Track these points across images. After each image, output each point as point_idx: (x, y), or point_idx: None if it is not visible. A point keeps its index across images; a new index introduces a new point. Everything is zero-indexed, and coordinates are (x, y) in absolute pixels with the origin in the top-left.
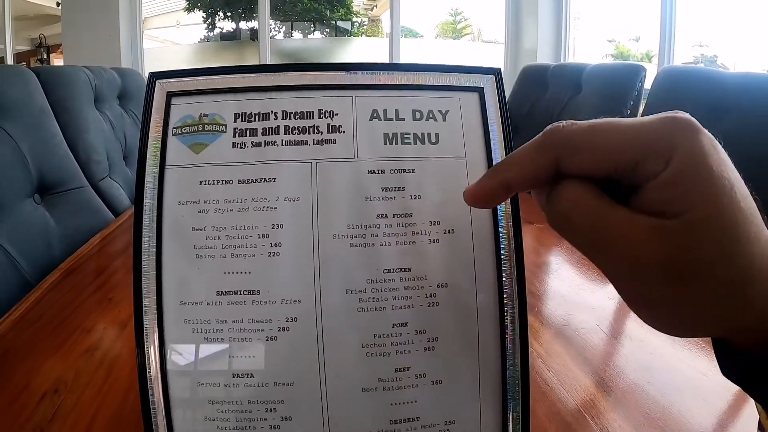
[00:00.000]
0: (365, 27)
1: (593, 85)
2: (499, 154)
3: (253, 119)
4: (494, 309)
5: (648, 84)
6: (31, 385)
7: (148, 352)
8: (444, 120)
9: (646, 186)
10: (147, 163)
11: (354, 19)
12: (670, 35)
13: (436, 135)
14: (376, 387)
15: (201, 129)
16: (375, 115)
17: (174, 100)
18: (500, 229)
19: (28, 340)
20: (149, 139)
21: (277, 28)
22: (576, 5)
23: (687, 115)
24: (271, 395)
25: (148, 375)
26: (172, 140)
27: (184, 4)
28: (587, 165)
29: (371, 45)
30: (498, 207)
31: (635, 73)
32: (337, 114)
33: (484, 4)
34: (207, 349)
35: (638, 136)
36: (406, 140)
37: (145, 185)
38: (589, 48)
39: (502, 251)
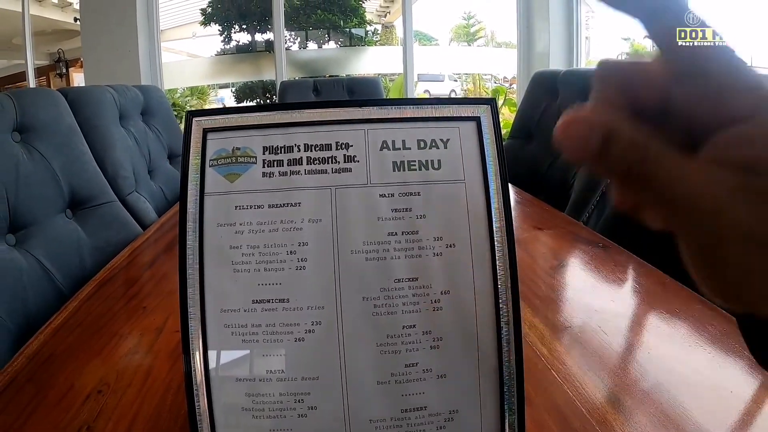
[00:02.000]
0: (379, 34)
1: None
2: (493, 176)
3: (279, 152)
4: (491, 312)
5: None
6: (76, 386)
7: (193, 353)
8: (445, 147)
9: (723, 132)
10: (188, 192)
11: (368, 28)
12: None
13: (438, 161)
14: (389, 380)
15: (234, 161)
16: (385, 145)
17: (209, 136)
18: (495, 243)
19: (69, 346)
20: (189, 171)
21: (291, 39)
22: (588, 2)
23: None
24: (298, 388)
25: (192, 371)
26: (209, 171)
27: (200, 16)
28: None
29: (385, 53)
30: (492, 222)
31: None
32: (351, 145)
33: (497, 6)
34: (244, 349)
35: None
36: (411, 167)
37: (188, 211)
38: (603, 47)
39: (497, 262)
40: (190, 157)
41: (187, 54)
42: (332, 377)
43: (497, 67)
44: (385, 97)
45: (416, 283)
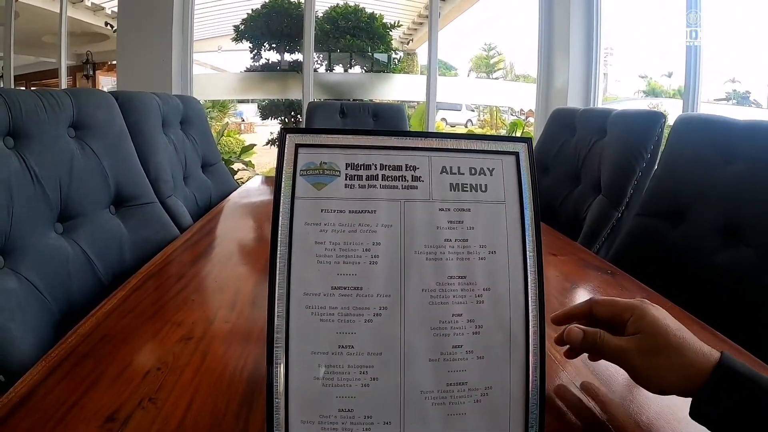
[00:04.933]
0: (402, 61)
1: (617, 129)
2: (528, 200)
3: (359, 168)
4: (522, 307)
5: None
6: (134, 364)
7: (276, 327)
8: (491, 175)
9: (626, 326)
10: (282, 195)
11: (392, 55)
12: (696, 73)
13: (485, 185)
14: (439, 358)
15: (321, 173)
16: (444, 170)
17: (300, 150)
18: (528, 252)
19: (123, 329)
20: (283, 178)
21: (319, 61)
22: (608, 40)
23: (645, 302)
24: (364, 362)
25: (274, 341)
26: (299, 179)
27: (226, 30)
28: (603, 313)
29: (407, 81)
30: (525, 236)
31: (655, 120)
32: (418, 168)
33: (517, 38)
34: (321, 327)
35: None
36: (465, 189)
37: (281, 211)
38: (621, 84)
39: (529, 268)
40: (284, 167)
41: (211, 67)
42: (393, 353)
43: (514, 99)
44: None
45: (464, 280)
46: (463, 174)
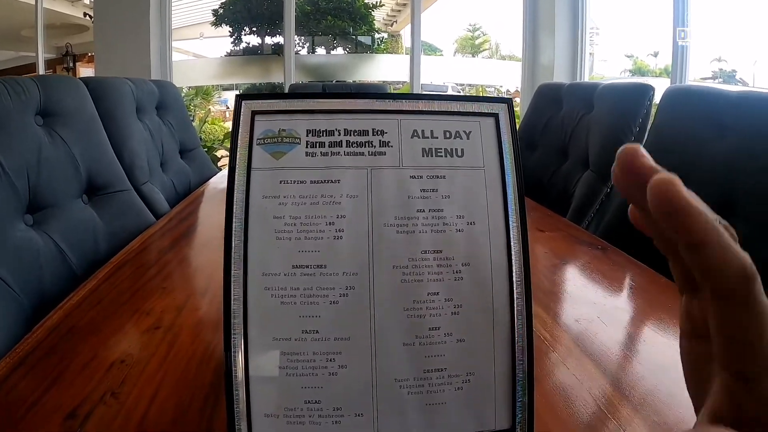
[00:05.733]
0: (385, 42)
1: (605, 103)
2: (509, 165)
3: (321, 135)
4: (505, 284)
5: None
6: (100, 356)
7: (233, 313)
8: (468, 138)
9: (751, 385)
10: (237, 166)
11: (375, 36)
12: (682, 48)
13: (462, 150)
14: (414, 342)
15: (280, 141)
16: (415, 134)
17: (257, 117)
18: (510, 222)
19: (91, 320)
20: (238, 147)
21: (300, 44)
22: (593, 19)
23: None
24: (331, 348)
25: (232, 327)
26: (256, 149)
27: (208, 17)
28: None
29: (391, 62)
30: (508, 205)
31: (644, 92)
32: (386, 132)
33: (502, 19)
34: (282, 310)
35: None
36: (438, 154)
37: (236, 183)
38: (607, 63)
39: (512, 238)
40: (239, 136)
41: (194, 54)
42: (362, 338)
43: (500, 79)
44: None
45: (440, 254)
46: (437, 138)
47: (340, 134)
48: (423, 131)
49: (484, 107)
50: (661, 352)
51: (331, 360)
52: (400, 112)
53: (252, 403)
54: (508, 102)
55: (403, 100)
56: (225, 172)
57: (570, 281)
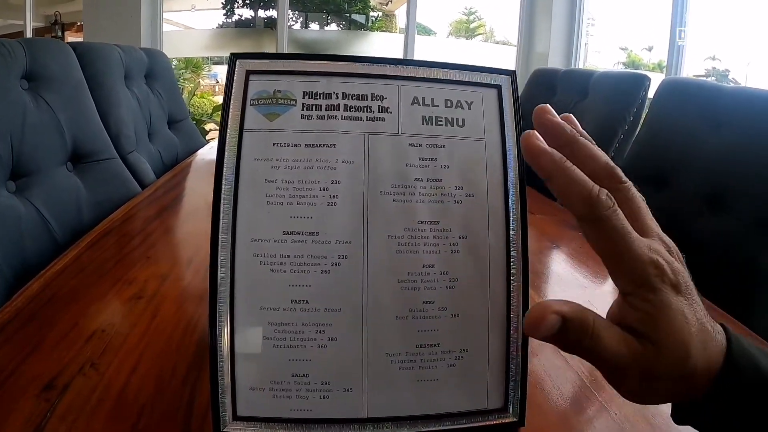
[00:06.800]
0: (380, 21)
1: (599, 91)
2: (510, 138)
3: (318, 97)
4: (502, 257)
5: (652, 93)
6: (80, 325)
7: (219, 280)
8: (469, 109)
9: (628, 298)
10: (228, 126)
11: (370, 13)
12: (679, 48)
13: (463, 120)
14: (407, 316)
15: (275, 102)
16: (415, 100)
17: (252, 77)
18: (510, 195)
19: (72, 289)
20: (230, 107)
21: (294, 19)
22: (590, 10)
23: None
24: (321, 319)
25: (218, 295)
26: (249, 109)
27: None
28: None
29: (386, 40)
30: (508, 179)
31: (640, 82)
32: (385, 98)
33: (498, 4)
34: (271, 278)
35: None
36: (439, 122)
37: (227, 144)
38: (601, 55)
39: (511, 212)
40: (232, 95)
41: (185, 26)
42: (354, 310)
43: (494, 63)
44: None
45: (437, 226)
46: (438, 106)
47: (337, 98)
48: (423, 98)
49: (487, 78)
50: None
51: (320, 332)
52: (401, 78)
53: (237, 375)
54: (512, 74)
55: (405, 66)
56: (214, 143)
57: (560, 264)
